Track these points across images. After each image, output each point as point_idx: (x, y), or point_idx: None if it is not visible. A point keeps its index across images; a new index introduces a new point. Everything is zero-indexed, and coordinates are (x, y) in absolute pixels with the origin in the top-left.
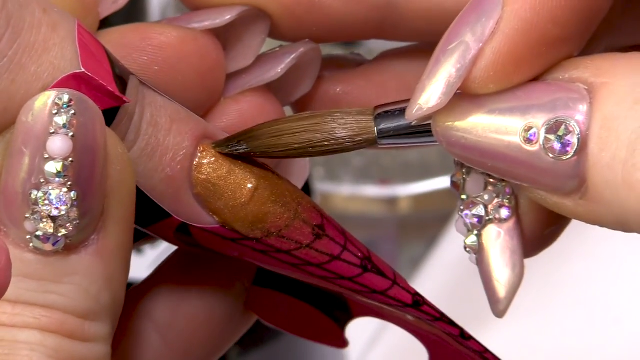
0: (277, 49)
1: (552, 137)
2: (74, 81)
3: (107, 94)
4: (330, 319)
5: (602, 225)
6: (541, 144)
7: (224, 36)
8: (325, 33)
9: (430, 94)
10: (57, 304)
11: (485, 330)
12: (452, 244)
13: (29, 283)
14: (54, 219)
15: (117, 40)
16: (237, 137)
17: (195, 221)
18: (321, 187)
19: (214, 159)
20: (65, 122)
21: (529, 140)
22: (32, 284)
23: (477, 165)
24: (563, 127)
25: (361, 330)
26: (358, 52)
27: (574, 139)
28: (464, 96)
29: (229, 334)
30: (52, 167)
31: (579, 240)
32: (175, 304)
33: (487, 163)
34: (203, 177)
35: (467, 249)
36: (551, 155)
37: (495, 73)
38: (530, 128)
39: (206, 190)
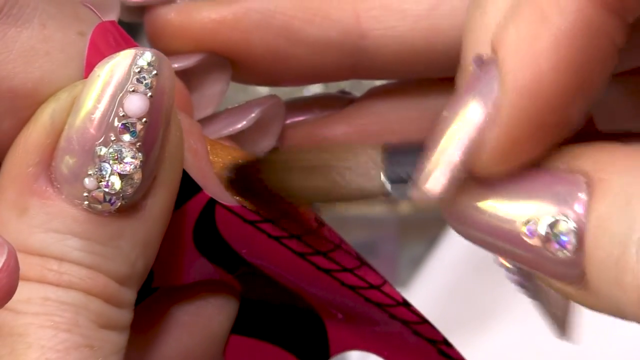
0: (244, 103)
1: (550, 235)
2: (109, 27)
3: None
4: None
5: (603, 313)
6: (541, 238)
7: (186, 83)
8: (296, 79)
9: (435, 181)
10: (102, 267)
11: (485, 330)
12: (453, 244)
13: (77, 241)
14: (122, 177)
15: None
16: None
17: (219, 197)
18: None
19: (220, 146)
20: (147, 81)
21: (529, 233)
22: (80, 242)
23: (483, 247)
24: (561, 225)
25: None
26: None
27: (571, 238)
28: (470, 180)
29: None
30: (127, 125)
31: None
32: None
33: (491, 247)
34: (217, 158)
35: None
36: (551, 250)
37: (496, 159)
38: (529, 221)
39: (222, 171)
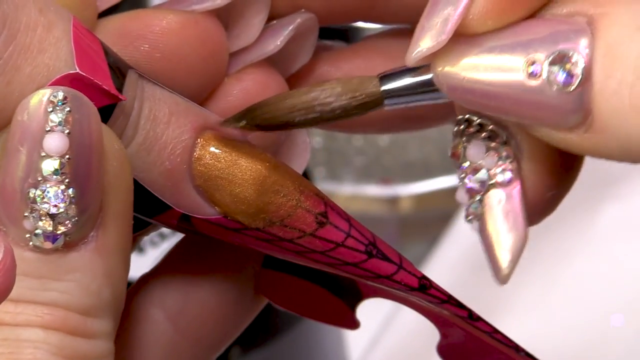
0: (274, 22)
1: (555, 68)
2: (68, 81)
3: (103, 92)
4: (340, 299)
5: (606, 157)
6: (545, 77)
7: (225, 15)
8: (319, 12)
9: (430, 35)
10: (59, 301)
11: None
12: (454, 244)
13: (30, 281)
14: (52, 216)
15: (117, 29)
16: (243, 111)
17: (196, 212)
18: (322, 186)
19: (214, 150)
20: (60, 119)
21: (532, 75)
22: (33, 282)
23: (480, 108)
24: (566, 58)
25: (361, 330)
26: None
27: (577, 70)
28: (463, 38)
29: (240, 319)
30: (49, 164)
31: (580, 239)
32: (186, 291)
33: (490, 103)
34: (203, 169)
35: (469, 217)
36: (555, 87)
37: (492, 8)
38: (533, 62)
39: (207, 182)
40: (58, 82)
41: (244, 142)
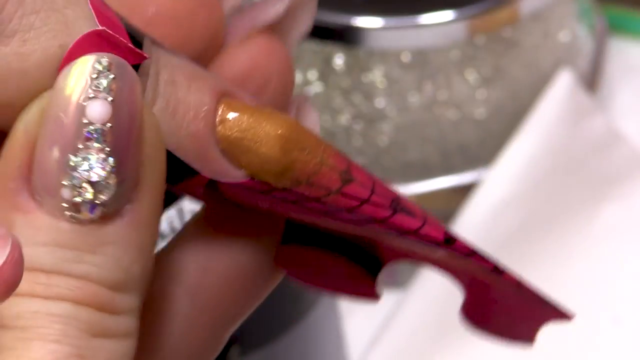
0: None
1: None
2: (94, 38)
3: (128, 51)
4: (361, 267)
5: None
6: None
7: None
8: None
9: None
10: (91, 275)
11: None
12: None
13: (64, 252)
14: (93, 184)
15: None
16: None
17: (223, 176)
18: None
19: (235, 114)
20: (104, 86)
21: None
22: (68, 253)
23: None
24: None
25: (361, 330)
26: (356, 54)
27: None
28: None
29: (258, 290)
30: (92, 132)
31: (580, 239)
32: (204, 263)
33: None
34: (227, 132)
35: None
36: None
37: None
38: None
39: (232, 145)
40: (83, 40)
41: (262, 105)
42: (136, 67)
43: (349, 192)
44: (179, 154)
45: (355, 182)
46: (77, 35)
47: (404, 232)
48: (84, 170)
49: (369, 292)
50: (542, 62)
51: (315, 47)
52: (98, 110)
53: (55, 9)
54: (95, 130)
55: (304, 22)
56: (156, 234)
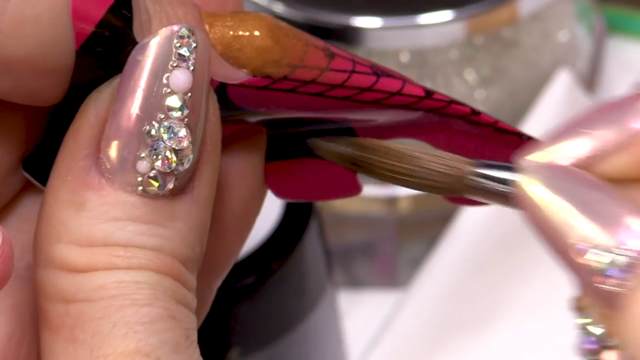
0: None
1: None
2: None
3: None
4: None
5: None
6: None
7: None
8: None
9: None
10: (165, 248)
11: (485, 331)
12: (453, 244)
13: (138, 226)
14: (176, 152)
15: None
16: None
17: (230, 78)
18: None
19: (219, 21)
20: (187, 54)
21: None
22: (142, 227)
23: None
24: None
25: (361, 330)
26: (357, 52)
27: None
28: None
29: (260, 194)
30: (174, 101)
31: None
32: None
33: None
34: (219, 35)
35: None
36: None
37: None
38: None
39: (228, 47)
40: None
41: (235, 11)
42: None
43: (336, 66)
44: None
45: (338, 55)
46: None
47: (391, 94)
48: (169, 139)
49: (352, 187)
50: (541, 62)
51: None
52: (182, 80)
53: None
54: (178, 99)
55: None
56: (210, 217)
